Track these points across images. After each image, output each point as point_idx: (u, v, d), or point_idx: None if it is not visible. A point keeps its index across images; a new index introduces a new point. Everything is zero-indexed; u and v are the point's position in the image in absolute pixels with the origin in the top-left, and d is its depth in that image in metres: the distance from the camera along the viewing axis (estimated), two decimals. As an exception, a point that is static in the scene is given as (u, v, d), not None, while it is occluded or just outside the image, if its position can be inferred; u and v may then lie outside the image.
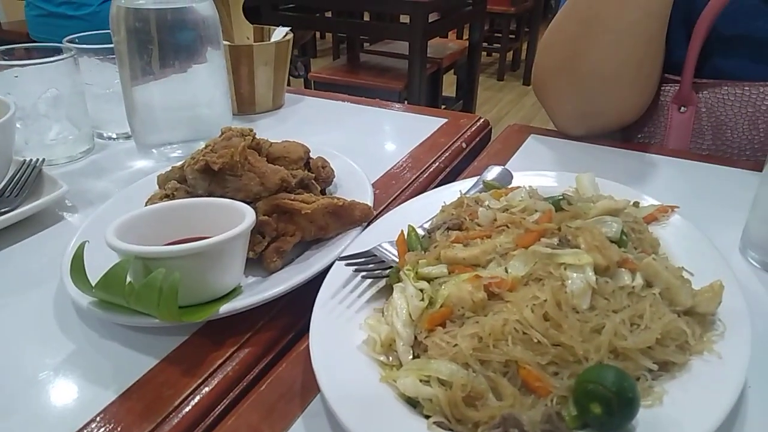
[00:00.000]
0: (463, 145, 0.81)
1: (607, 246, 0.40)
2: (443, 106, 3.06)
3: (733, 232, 0.56)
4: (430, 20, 2.47)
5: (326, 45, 5.09)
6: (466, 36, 3.18)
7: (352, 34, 2.97)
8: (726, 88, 0.75)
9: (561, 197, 0.48)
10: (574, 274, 0.38)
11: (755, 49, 0.75)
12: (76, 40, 0.75)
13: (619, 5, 0.68)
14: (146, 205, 0.52)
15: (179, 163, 0.55)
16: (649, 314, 0.37)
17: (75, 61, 0.71)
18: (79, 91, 0.72)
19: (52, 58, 0.69)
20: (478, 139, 0.85)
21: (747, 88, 0.74)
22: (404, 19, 2.48)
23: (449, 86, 3.34)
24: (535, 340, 0.35)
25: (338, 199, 0.52)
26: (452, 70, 3.18)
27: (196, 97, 0.70)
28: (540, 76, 0.80)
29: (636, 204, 0.54)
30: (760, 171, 0.52)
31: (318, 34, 5.06)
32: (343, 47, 4.34)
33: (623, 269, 0.40)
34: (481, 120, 0.89)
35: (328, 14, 3.33)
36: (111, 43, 0.68)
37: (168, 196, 0.52)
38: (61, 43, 0.74)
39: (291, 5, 2.74)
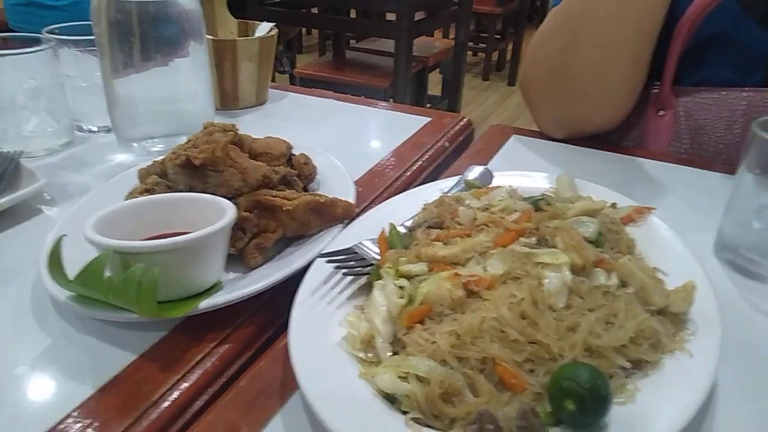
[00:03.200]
0: (446, 144, 0.82)
1: (583, 246, 0.41)
2: (428, 105, 3.06)
3: (708, 233, 0.57)
4: (416, 18, 2.47)
5: (312, 41, 5.07)
6: (452, 35, 3.18)
7: (338, 30, 2.96)
8: (704, 92, 0.77)
9: (540, 197, 0.49)
10: (551, 274, 0.39)
11: (733, 56, 0.76)
12: (56, 31, 0.74)
13: (607, 23, 0.69)
14: (126, 200, 0.52)
15: (160, 158, 0.55)
16: (624, 313, 0.38)
17: (55, 52, 0.70)
18: (58, 82, 0.71)
19: (31, 49, 0.68)
20: (461, 138, 0.86)
21: (724, 93, 0.76)
22: (391, 17, 2.48)
23: (435, 85, 3.34)
24: (512, 338, 0.36)
25: (320, 196, 0.53)
26: (438, 69, 3.19)
27: (178, 91, 0.69)
28: (525, 82, 0.81)
29: (614, 205, 0.54)
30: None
31: (304, 30, 5.03)
32: (329, 44, 4.32)
33: (599, 269, 0.41)
34: (464, 120, 0.89)
35: (315, 10, 3.32)
36: (92, 34, 0.67)
37: (148, 191, 0.52)
38: (40, 33, 0.73)
39: (277, 0, 2.72)
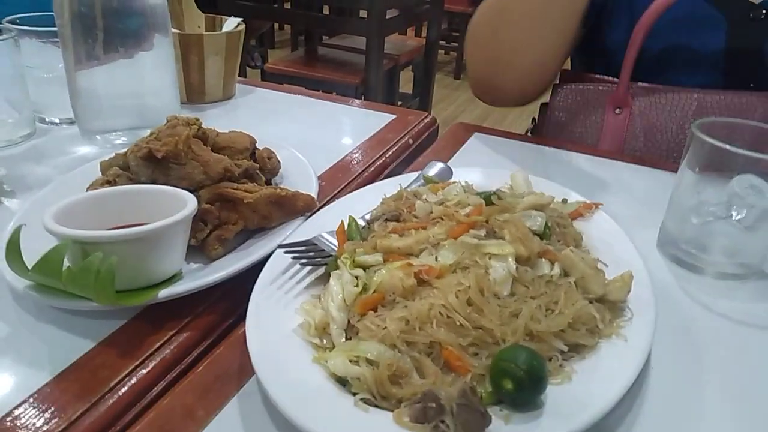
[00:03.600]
0: (410, 141, 0.84)
1: (529, 238, 0.44)
2: (400, 103, 3.08)
3: (653, 228, 0.60)
4: (388, 16, 2.49)
5: (285, 36, 5.03)
6: (424, 34, 3.21)
7: (310, 27, 2.96)
8: (658, 92, 0.81)
9: (492, 192, 0.51)
10: (497, 263, 0.41)
11: (688, 58, 0.80)
12: (18, 21, 0.74)
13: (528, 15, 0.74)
14: (87, 191, 0.52)
15: (123, 150, 0.55)
16: (564, 301, 0.40)
17: (16, 42, 0.69)
18: (19, 73, 0.71)
19: (-10, 39, 0.67)
20: (424, 136, 0.88)
21: (677, 93, 0.80)
22: (363, 14, 2.49)
23: (407, 83, 3.37)
24: (458, 323, 0.38)
25: (282, 189, 0.54)
26: (410, 67, 3.21)
27: (143, 85, 0.70)
28: (466, 47, 0.87)
29: (564, 200, 0.57)
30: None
31: (277, 25, 5.00)
32: (301, 39, 4.31)
33: (543, 259, 0.44)
34: (428, 118, 0.91)
35: (287, 5, 3.30)
36: (54, 25, 0.67)
37: (110, 182, 0.52)
38: (0, 23, 0.72)
39: (248, -6, 2.70)
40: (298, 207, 0.54)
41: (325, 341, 0.41)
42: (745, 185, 0.51)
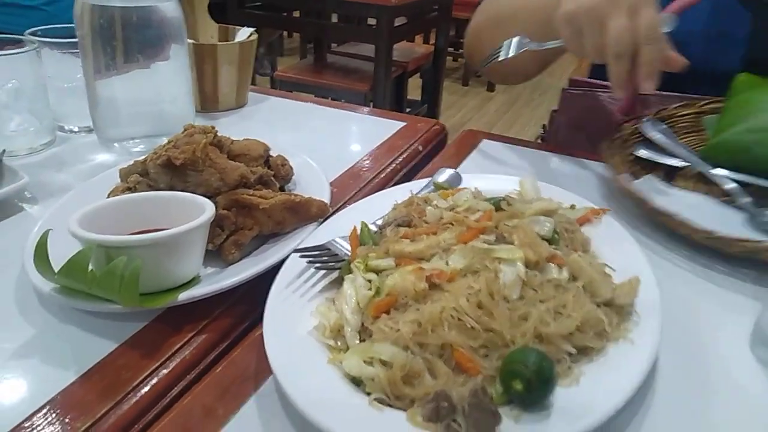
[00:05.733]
0: (419, 148, 0.85)
1: (537, 243, 0.45)
2: (408, 109, 3.10)
3: (661, 231, 0.61)
4: (396, 24, 2.51)
5: (294, 44, 5.08)
6: (433, 41, 3.24)
7: (319, 35, 2.99)
8: (668, 101, 0.81)
9: (502, 198, 0.52)
10: (507, 268, 0.42)
11: (706, 71, 0.80)
12: (39, 33, 0.76)
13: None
14: (108, 197, 0.54)
15: (141, 158, 0.57)
16: (572, 304, 0.41)
17: (37, 53, 0.72)
18: (41, 83, 0.73)
19: (14, 50, 0.69)
20: (434, 142, 0.89)
21: (685, 101, 0.80)
22: (372, 21, 2.51)
23: (415, 90, 3.39)
24: (469, 326, 0.39)
25: (296, 195, 0.55)
26: (419, 74, 3.23)
27: (159, 94, 0.72)
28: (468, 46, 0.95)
29: (572, 206, 0.58)
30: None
31: (285, 33, 5.05)
32: (310, 47, 4.34)
33: (552, 264, 0.45)
34: (437, 125, 0.93)
35: (296, 13, 3.34)
36: (74, 36, 0.69)
37: (130, 189, 0.54)
38: (19, 33, 0.74)
39: (258, 3, 2.74)
40: (311, 213, 0.56)
41: (339, 343, 0.42)
42: None
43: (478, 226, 0.47)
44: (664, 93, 0.82)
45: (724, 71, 0.79)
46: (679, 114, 0.76)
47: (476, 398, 0.34)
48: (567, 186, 0.62)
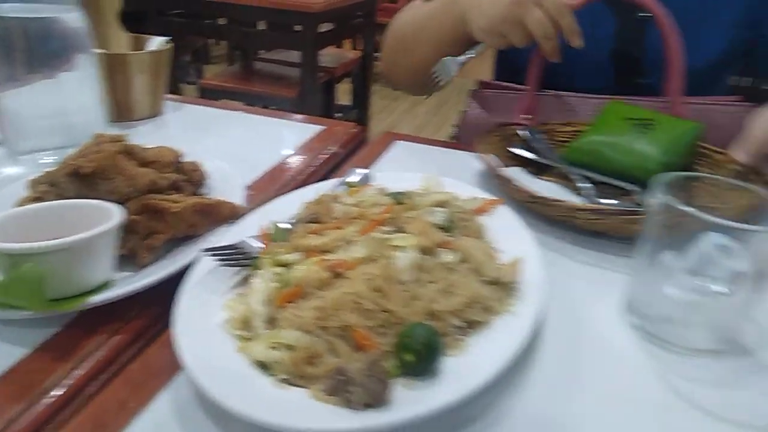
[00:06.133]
0: (337, 150, 0.88)
1: (431, 231, 0.49)
2: (339, 115, 3.13)
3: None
4: (322, 30, 2.54)
5: (221, 51, 5.00)
6: (362, 46, 3.29)
7: (243, 42, 2.97)
8: (561, 99, 0.89)
9: (401, 193, 0.56)
10: (402, 254, 0.46)
11: (585, 62, 0.89)
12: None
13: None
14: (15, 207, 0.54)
15: (51, 168, 0.57)
16: (460, 284, 0.46)
17: (-65, 65, 0.70)
18: (-61, 95, 0.71)
19: None
20: (352, 145, 0.93)
21: (579, 99, 0.88)
22: (298, 27, 2.53)
23: (346, 95, 3.43)
24: (367, 308, 0.43)
25: (207, 198, 0.57)
26: (350, 79, 3.27)
27: (67, 104, 0.71)
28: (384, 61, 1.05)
29: (474, 198, 0.63)
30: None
31: (212, 40, 4.96)
32: (237, 53, 4.29)
33: (444, 249, 0.49)
34: (355, 128, 0.96)
35: (222, 20, 3.29)
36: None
37: (38, 198, 0.54)
38: None
39: (179, 11, 2.69)
40: (224, 215, 0.58)
41: (249, 333, 0.45)
42: (711, 246, 0.44)
43: (378, 218, 0.51)
44: (561, 93, 0.90)
45: (597, 62, 0.89)
46: (558, 129, 0.84)
47: (370, 370, 0.37)
48: (471, 181, 0.68)
